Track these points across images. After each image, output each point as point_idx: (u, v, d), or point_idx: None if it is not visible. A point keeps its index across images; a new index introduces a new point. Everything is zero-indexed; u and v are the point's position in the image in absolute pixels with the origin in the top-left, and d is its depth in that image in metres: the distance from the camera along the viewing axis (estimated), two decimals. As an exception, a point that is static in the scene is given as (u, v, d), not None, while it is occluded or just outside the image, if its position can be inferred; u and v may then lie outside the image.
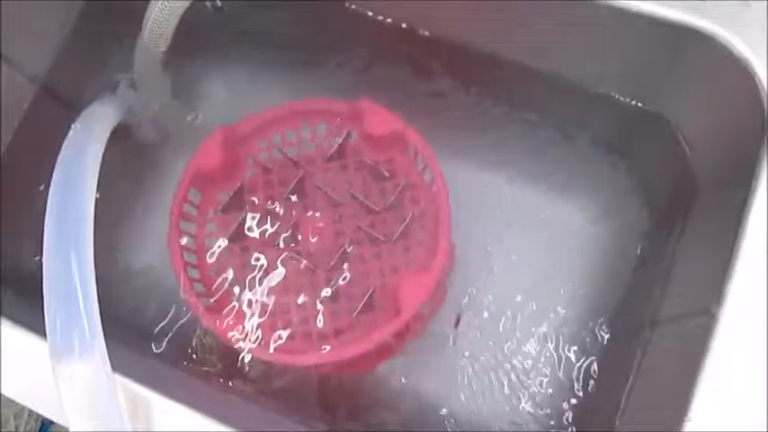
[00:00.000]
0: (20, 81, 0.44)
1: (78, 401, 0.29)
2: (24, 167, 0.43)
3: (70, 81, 0.47)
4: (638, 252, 0.47)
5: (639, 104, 0.46)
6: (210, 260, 0.44)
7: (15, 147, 0.44)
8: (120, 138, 0.48)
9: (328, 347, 0.42)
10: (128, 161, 0.50)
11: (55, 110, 0.46)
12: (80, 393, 0.29)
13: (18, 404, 0.34)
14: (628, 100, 0.46)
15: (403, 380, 0.47)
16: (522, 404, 0.47)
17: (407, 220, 0.44)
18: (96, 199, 0.44)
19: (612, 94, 0.46)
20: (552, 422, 0.46)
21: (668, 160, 0.46)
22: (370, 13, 0.49)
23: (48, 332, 0.30)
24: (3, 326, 0.34)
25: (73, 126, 0.37)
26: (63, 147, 0.35)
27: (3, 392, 0.33)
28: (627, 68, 0.44)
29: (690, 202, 0.44)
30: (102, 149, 0.37)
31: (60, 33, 0.46)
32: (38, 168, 0.39)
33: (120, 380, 0.33)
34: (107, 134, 0.38)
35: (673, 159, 0.45)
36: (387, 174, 0.45)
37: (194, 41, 0.49)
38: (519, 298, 0.48)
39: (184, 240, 0.44)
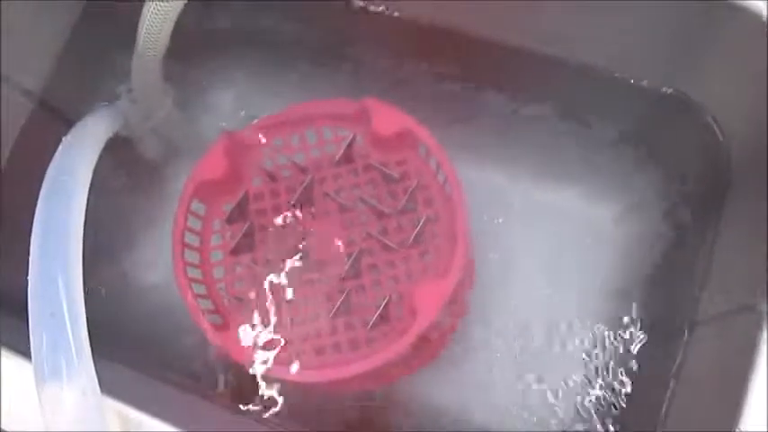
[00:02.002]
0: (14, 97, 0.43)
1: (63, 425, 0.27)
2: (23, 187, 0.41)
3: (68, 95, 0.46)
4: (672, 248, 0.44)
5: (664, 88, 0.43)
6: (217, 275, 0.42)
7: (13, 166, 0.42)
8: (123, 151, 0.47)
9: (343, 362, 0.39)
10: (131, 175, 0.48)
11: (53, 126, 0.45)
12: (65, 417, 0.27)
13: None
14: (651, 84, 0.43)
15: (425, 396, 0.45)
16: (556, 415, 0.44)
17: (421, 223, 0.41)
18: (98, 215, 0.42)
19: (634, 78, 0.43)
20: (588, 434, 0.43)
21: (699, 147, 0.42)
22: (375, 8, 0.47)
23: (33, 354, 0.28)
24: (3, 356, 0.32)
25: (63, 139, 0.36)
26: (52, 161, 0.34)
27: (3, 428, 0.31)
28: (648, 49, 0.41)
29: (725, 190, 0.40)
30: (94, 163, 0.35)
31: (55, 45, 0.45)
32: (37, 188, 0.38)
33: (112, 403, 0.31)
34: (99, 147, 0.37)
35: (704, 145, 0.42)
36: (397, 176, 0.43)
37: (194, 47, 0.48)
38: (545, 302, 0.45)
39: (189, 255, 0.42)
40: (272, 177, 0.44)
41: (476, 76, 0.47)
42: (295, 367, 0.39)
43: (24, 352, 0.32)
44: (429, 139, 0.42)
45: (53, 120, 0.46)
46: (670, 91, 0.43)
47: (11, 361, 0.32)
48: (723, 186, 0.40)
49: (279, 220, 0.43)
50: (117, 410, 0.31)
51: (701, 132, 0.42)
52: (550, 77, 0.45)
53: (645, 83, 0.43)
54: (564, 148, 0.47)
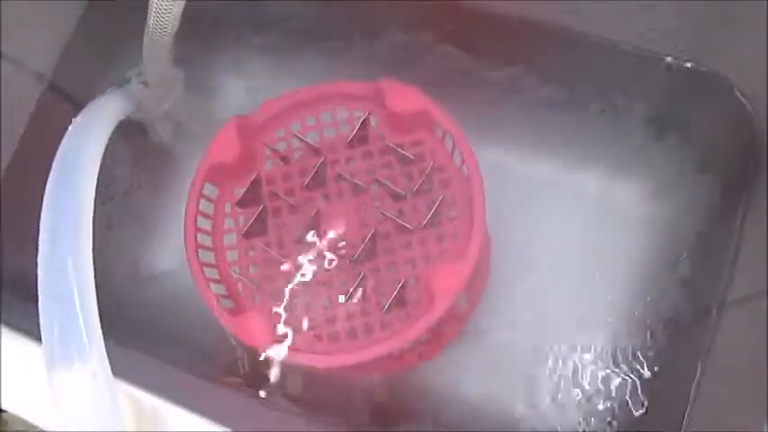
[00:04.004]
0: (25, 80, 0.42)
1: (74, 410, 0.27)
2: (34, 169, 0.41)
3: (79, 78, 0.45)
4: (700, 229, 0.43)
5: (692, 64, 0.41)
6: (230, 259, 0.42)
7: (24, 149, 0.42)
8: (135, 136, 0.47)
9: (358, 347, 0.38)
10: (143, 160, 0.48)
11: (64, 110, 0.45)
12: (76, 402, 0.27)
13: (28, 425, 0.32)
14: (678, 60, 0.41)
15: (441, 382, 0.44)
16: (576, 404, 0.43)
17: (437, 204, 0.40)
18: (109, 199, 0.42)
19: (660, 54, 0.41)
20: (611, 423, 0.42)
21: (728, 124, 0.41)
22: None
23: (43, 339, 0.28)
24: (4, 335, 0.32)
25: (73, 121, 0.35)
26: (61, 142, 0.33)
27: (3, 407, 0.31)
28: (675, 23, 0.39)
29: (755, 169, 0.39)
30: (104, 145, 0.34)
31: (66, 27, 0.44)
32: (48, 170, 0.37)
33: (125, 387, 0.30)
34: (109, 129, 0.36)
35: (734, 122, 0.40)
36: (413, 157, 0.42)
37: (206, 29, 0.47)
38: (566, 287, 0.44)
39: (201, 239, 0.41)
40: (284, 160, 0.43)
41: (495, 54, 0.46)
42: (309, 352, 0.39)
43: (29, 332, 0.31)
44: (445, 118, 0.41)
45: (64, 103, 0.45)
46: (698, 66, 0.41)
47: (15, 342, 0.32)
48: (754, 164, 0.39)
49: (292, 203, 0.42)
50: (130, 394, 0.30)
51: (730, 108, 0.40)
52: (574, 54, 0.44)
53: (671, 59, 0.42)
54: (588, 126, 0.45)
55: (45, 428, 0.30)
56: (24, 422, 0.31)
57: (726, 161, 0.42)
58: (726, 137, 0.42)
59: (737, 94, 0.40)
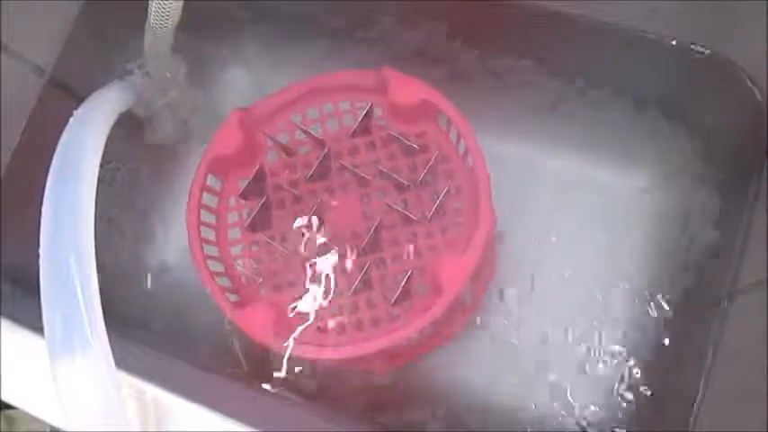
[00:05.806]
0: (26, 74, 0.42)
1: (77, 400, 0.26)
2: (34, 165, 0.41)
3: (80, 72, 0.45)
4: (708, 217, 0.42)
5: (698, 47, 0.40)
6: (233, 252, 0.42)
7: (25, 143, 0.42)
8: (138, 130, 0.46)
9: (364, 339, 0.38)
10: (146, 153, 0.47)
11: (65, 104, 0.44)
12: (79, 392, 0.26)
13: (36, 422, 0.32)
14: (684, 43, 0.41)
15: (449, 373, 0.43)
16: (583, 396, 0.42)
17: (442, 195, 0.40)
18: (112, 193, 0.42)
19: (665, 37, 0.41)
20: (619, 414, 0.41)
21: (736, 108, 0.40)
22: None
23: (46, 330, 0.27)
24: (5, 328, 0.32)
25: (74, 112, 0.35)
26: (63, 134, 0.33)
27: (3, 397, 0.30)
28: (679, 7, 0.38)
29: (764, 153, 0.38)
30: (105, 136, 0.34)
31: (67, 20, 0.44)
32: (50, 163, 0.37)
33: (129, 379, 0.30)
34: (111, 121, 0.36)
35: (741, 107, 0.39)
36: (417, 147, 0.41)
37: (207, 21, 0.47)
38: (574, 277, 0.44)
39: (205, 232, 0.41)
40: (287, 152, 0.43)
41: (499, 45, 0.45)
42: (314, 344, 0.38)
43: (30, 324, 0.31)
44: (450, 108, 0.40)
45: (65, 97, 0.45)
46: (704, 51, 0.40)
47: (16, 334, 0.32)
48: (762, 148, 0.38)
49: (296, 195, 0.42)
50: (133, 386, 0.30)
51: (738, 94, 0.39)
52: (577, 40, 0.43)
53: (676, 43, 0.41)
54: (592, 116, 0.45)
55: (48, 421, 0.30)
56: (32, 418, 0.31)
57: (734, 148, 0.42)
58: (734, 122, 0.42)
59: (745, 79, 0.39)
